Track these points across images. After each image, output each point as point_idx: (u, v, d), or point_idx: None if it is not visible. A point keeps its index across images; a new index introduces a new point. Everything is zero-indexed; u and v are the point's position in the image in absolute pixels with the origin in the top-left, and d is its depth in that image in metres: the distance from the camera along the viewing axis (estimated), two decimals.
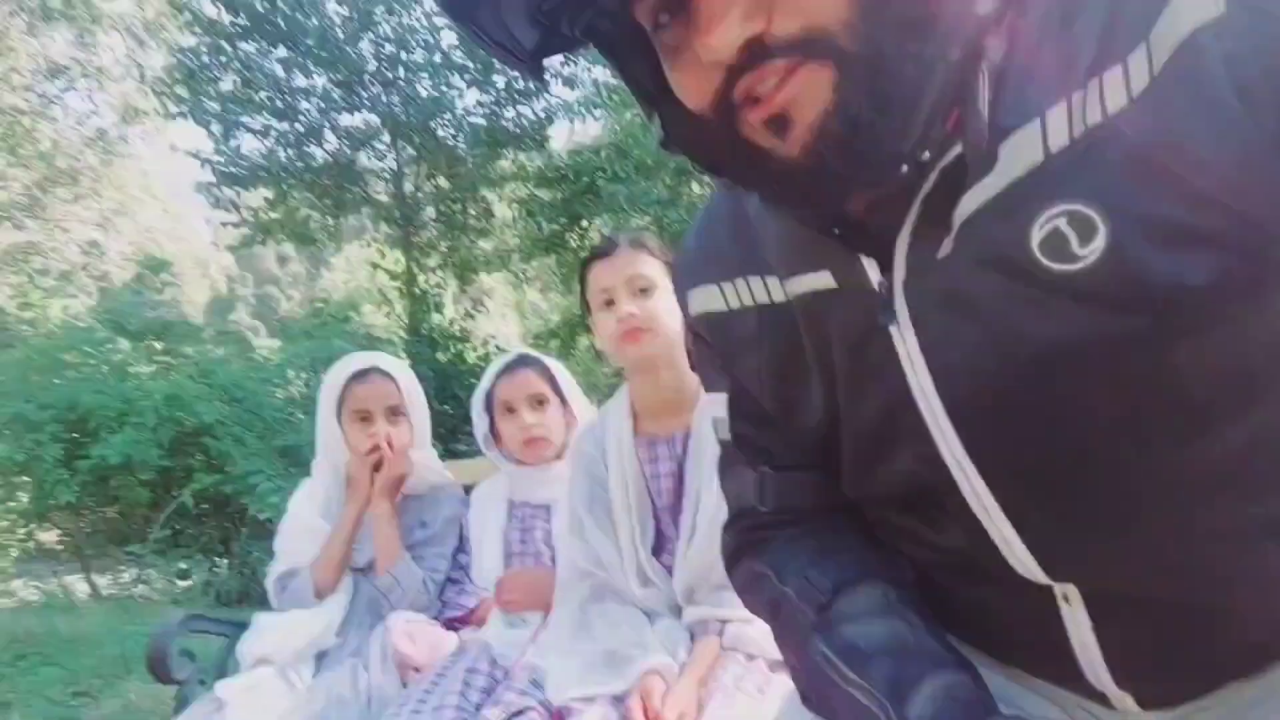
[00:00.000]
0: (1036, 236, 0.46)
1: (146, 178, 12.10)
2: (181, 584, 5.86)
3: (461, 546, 1.61)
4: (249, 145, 7.71)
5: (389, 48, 7.49)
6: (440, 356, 8.82)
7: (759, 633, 1.15)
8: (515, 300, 12.83)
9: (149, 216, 12.08)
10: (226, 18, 7.07)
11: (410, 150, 8.13)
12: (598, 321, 1.31)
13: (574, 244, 8.52)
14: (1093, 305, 0.45)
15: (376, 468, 1.55)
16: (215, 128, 7.40)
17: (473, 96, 7.85)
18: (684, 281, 0.73)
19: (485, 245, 9.21)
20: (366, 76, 7.45)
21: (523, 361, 1.62)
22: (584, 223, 8.38)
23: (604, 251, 1.32)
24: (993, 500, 0.54)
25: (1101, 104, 0.44)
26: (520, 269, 9.76)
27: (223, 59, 7.28)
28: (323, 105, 7.60)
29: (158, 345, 6.22)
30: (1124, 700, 0.59)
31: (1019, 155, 0.46)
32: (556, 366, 1.65)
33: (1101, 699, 0.61)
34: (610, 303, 1.29)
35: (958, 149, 0.49)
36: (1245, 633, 0.55)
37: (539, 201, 8.41)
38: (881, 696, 0.56)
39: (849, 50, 0.46)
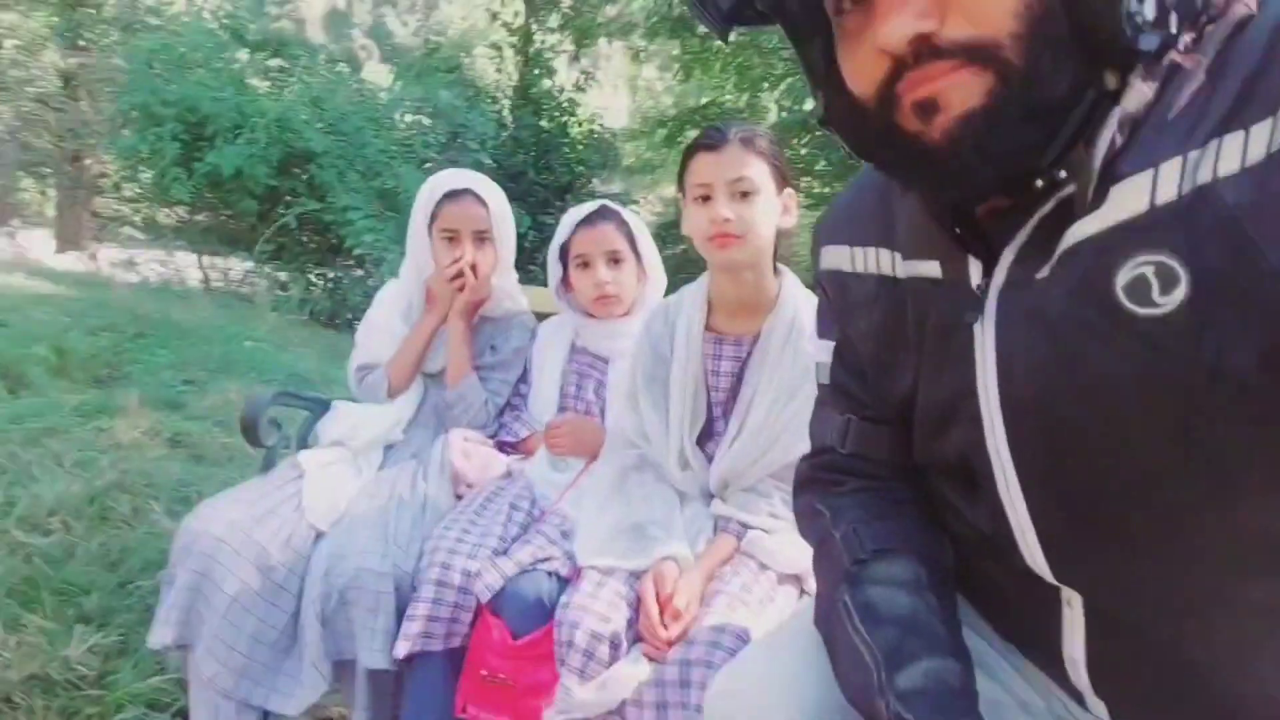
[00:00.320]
0: (1123, 278, 0.49)
1: None
2: (281, 294, 6.37)
3: (523, 377, 1.69)
4: None
5: None
6: (544, 123, 8.63)
7: (776, 545, 1.22)
8: (630, 74, 12.18)
9: None
10: None
11: None
12: (690, 214, 1.26)
13: (701, 31, 7.88)
14: (1158, 352, 0.48)
15: (459, 289, 1.60)
16: None
17: None
18: (822, 236, 0.80)
19: (610, 11, 8.59)
20: None
21: (602, 215, 1.57)
22: None
23: (711, 143, 1.22)
24: (1021, 497, 0.59)
25: (1215, 166, 0.46)
26: (641, 45, 9.15)
27: None
28: None
29: (272, 63, 6.22)
30: (1098, 707, 0.65)
31: (1126, 201, 0.49)
32: (635, 221, 1.60)
33: (1079, 697, 0.67)
34: (707, 198, 1.23)
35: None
36: (1238, 702, 0.58)
37: None
38: (880, 656, 0.64)
39: (1012, 62, 0.49)
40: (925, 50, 0.50)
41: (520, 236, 1.78)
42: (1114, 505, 0.55)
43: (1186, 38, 0.50)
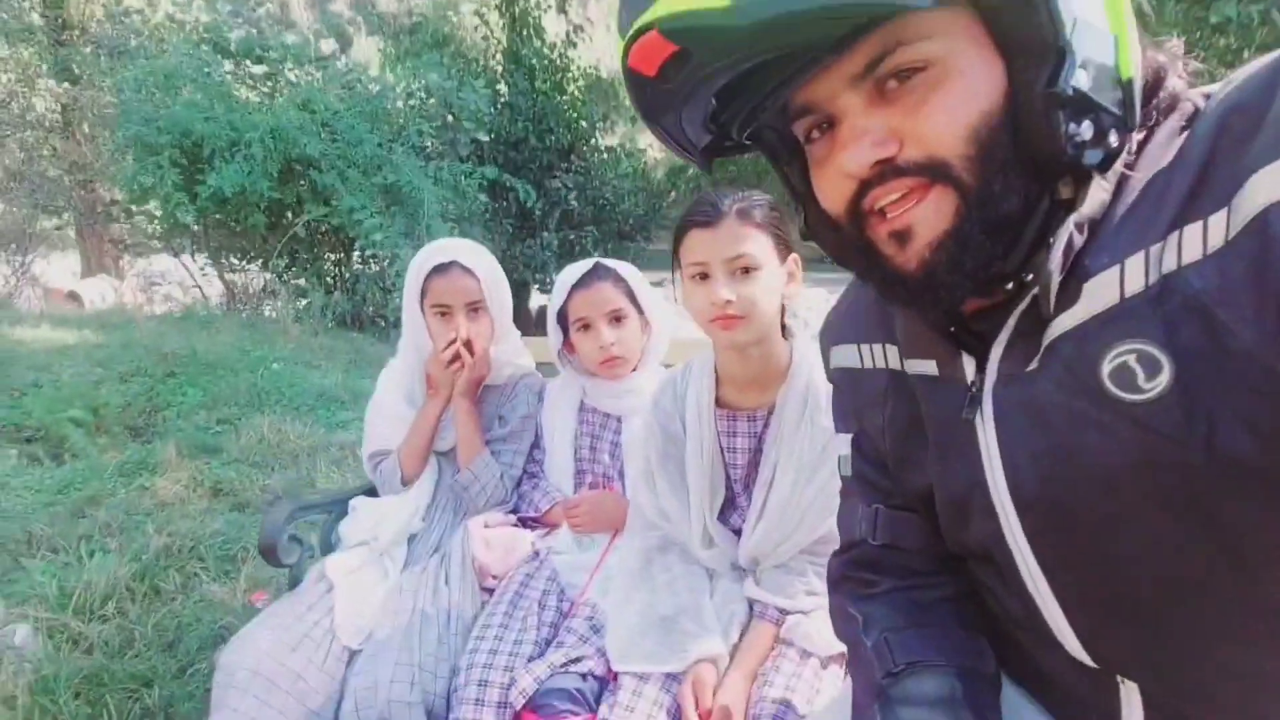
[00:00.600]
0: (1107, 367, 0.51)
1: None
2: (301, 303, 6.39)
3: (537, 442, 1.64)
4: None
5: None
6: (539, 84, 8.39)
7: (815, 628, 1.17)
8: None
9: None
10: None
11: None
12: (688, 291, 1.16)
13: None
14: (1153, 435, 0.49)
15: (458, 370, 1.54)
16: None
17: None
18: (830, 337, 0.82)
19: None
20: None
21: (598, 274, 1.48)
22: None
23: (706, 220, 1.12)
24: (1046, 585, 0.60)
25: (1178, 254, 0.48)
26: None
27: None
28: None
29: (258, 70, 6.09)
30: None
31: (1098, 294, 0.51)
32: (633, 274, 1.51)
33: None
34: (705, 276, 1.14)
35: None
36: None
37: None
38: None
39: (965, 180, 0.52)
40: (888, 170, 0.54)
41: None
42: (1135, 588, 0.55)
43: (1135, 139, 0.53)
